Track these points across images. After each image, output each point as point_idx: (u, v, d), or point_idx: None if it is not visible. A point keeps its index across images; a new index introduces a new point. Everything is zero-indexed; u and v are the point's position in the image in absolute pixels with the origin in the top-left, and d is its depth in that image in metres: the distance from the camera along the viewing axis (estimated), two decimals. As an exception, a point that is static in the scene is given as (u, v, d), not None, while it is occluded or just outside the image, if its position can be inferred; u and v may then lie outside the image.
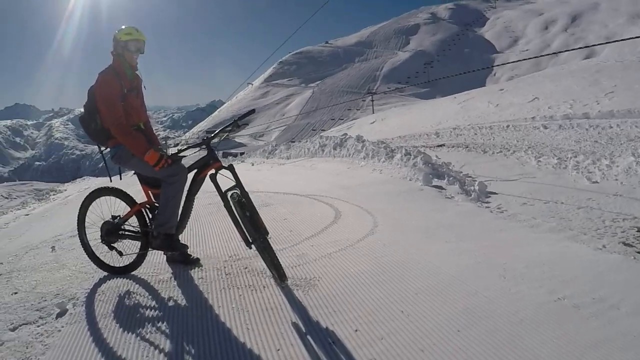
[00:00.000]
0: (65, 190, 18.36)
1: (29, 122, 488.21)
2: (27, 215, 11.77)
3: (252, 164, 15.72)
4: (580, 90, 21.60)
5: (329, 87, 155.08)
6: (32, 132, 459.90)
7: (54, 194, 16.85)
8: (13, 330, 3.81)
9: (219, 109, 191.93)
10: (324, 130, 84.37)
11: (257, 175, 11.42)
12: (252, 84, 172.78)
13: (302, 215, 6.39)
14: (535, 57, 23.59)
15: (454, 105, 29.65)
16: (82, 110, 4.52)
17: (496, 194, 6.54)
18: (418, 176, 7.60)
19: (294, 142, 21.02)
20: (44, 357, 3.27)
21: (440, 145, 12.98)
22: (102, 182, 23.75)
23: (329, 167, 10.89)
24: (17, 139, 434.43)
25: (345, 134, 13.26)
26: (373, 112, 74.27)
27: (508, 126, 16.57)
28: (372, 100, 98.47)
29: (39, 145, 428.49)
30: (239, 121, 4.22)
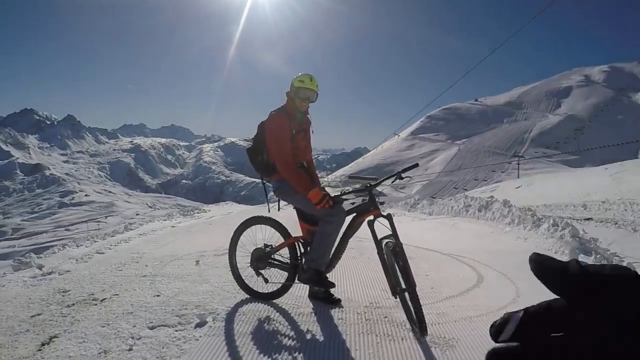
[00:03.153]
0: (210, 210, 19.32)
1: (182, 143, 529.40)
2: (173, 227, 12.47)
3: (393, 215, 15.40)
4: None
5: (475, 146, 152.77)
6: (183, 153, 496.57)
7: (198, 212, 17.80)
8: (151, 328, 4.10)
9: (363, 156, 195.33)
10: (466, 189, 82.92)
11: (399, 227, 11.21)
12: (399, 135, 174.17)
13: (444, 274, 6.33)
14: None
15: (605, 176, 28.00)
16: (250, 142, 4.84)
17: (644, 277, 6.08)
18: (564, 249, 7.28)
19: (434, 198, 20.84)
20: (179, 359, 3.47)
21: (588, 219, 12.31)
22: (245, 209, 24.79)
23: (472, 228, 10.70)
24: (169, 157, 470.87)
25: (492, 197, 12.96)
26: (518, 177, 71.98)
27: (663, 204, 15.40)
28: (518, 164, 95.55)
29: (187, 165, 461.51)
30: (402, 173, 4.30)
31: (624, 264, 6.31)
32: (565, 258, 6.76)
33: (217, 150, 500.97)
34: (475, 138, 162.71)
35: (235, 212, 19.85)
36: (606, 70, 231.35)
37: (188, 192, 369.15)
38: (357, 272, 6.32)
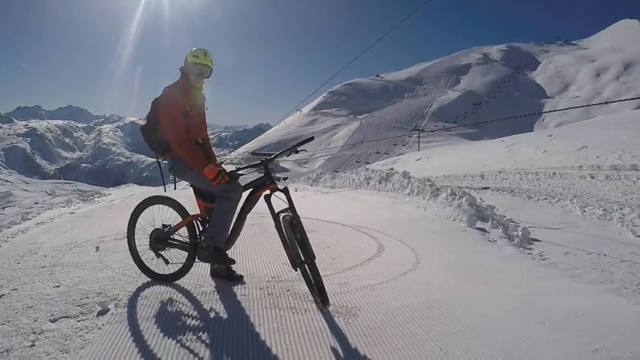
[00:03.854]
0: (110, 194, 18.72)
1: (80, 125, 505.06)
2: (72, 213, 12.05)
3: (296, 190, 15.85)
4: (630, 141, 21.22)
5: (376, 120, 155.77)
6: (81, 135, 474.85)
7: (98, 197, 17.22)
8: (53, 321, 3.94)
9: (266, 132, 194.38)
10: (368, 163, 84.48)
11: (301, 201, 11.48)
12: (301, 111, 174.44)
13: (346, 245, 6.44)
14: (586, 106, 23.30)
15: (501, 148, 29.40)
16: (145, 119, 4.70)
17: (539, 241, 6.44)
18: (462, 217, 7.58)
19: (337, 172, 21.15)
20: (83, 351, 3.36)
21: (485, 188, 12.90)
22: (147, 190, 24.17)
23: (373, 199, 10.94)
24: (67, 140, 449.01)
25: (392, 169, 13.27)
26: (419, 149, 74.17)
27: (554, 173, 16.36)
28: (419, 137, 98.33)
29: (86, 147, 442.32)
30: (297, 147, 4.30)
31: (520, 228, 6.68)
32: (463, 225, 7.13)
33: (116, 131, 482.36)
34: (376, 112, 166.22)
35: (137, 194, 19.35)
36: (504, 50, 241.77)
37: (88, 176, 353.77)
38: (259, 247, 6.35)
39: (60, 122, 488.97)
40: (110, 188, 26.33)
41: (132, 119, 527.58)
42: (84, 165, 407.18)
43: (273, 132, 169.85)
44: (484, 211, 7.84)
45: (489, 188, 12.90)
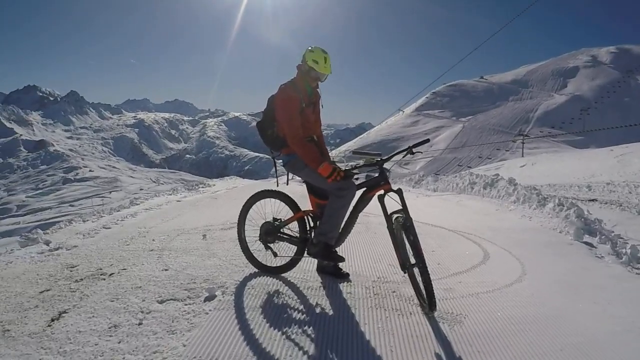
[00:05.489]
0: (214, 185, 19.32)
1: (186, 118, 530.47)
2: (179, 201, 12.51)
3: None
4: None
5: (480, 124, 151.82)
6: (187, 127, 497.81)
7: (202, 187, 17.81)
8: (161, 302, 4.15)
9: (367, 132, 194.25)
10: (470, 167, 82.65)
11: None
12: (403, 111, 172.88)
13: (450, 250, 6.35)
14: None
15: (610, 158, 27.81)
16: (261, 115, 4.80)
17: (648, 261, 6.08)
18: (569, 229, 7.26)
19: (438, 174, 20.87)
20: (190, 334, 3.51)
21: (593, 200, 12.28)
22: (249, 183, 24.78)
23: (477, 205, 10.69)
24: (173, 132, 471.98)
25: (497, 175, 12.91)
26: (522, 155, 71.80)
27: (667, 188, 15.33)
28: (523, 143, 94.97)
29: (191, 140, 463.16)
30: (413, 148, 4.28)
31: (628, 246, 6.31)
32: (570, 238, 6.81)
33: (220, 125, 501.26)
34: (480, 115, 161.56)
35: (240, 186, 19.86)
36: (613, 52, 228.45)
37: (192, 166, 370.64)
38: (364, 246, 6.35)
39: (166, 115, 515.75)
40: (214, 179, 27.17)
41: (236, 114, 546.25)
42: (188, 156, 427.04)
43: (375, 132, 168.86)
44: (592, 225, 7.47)
45: (596, 200, 12.28)
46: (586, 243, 6.72)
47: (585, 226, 7.34)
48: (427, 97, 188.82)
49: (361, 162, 4.47)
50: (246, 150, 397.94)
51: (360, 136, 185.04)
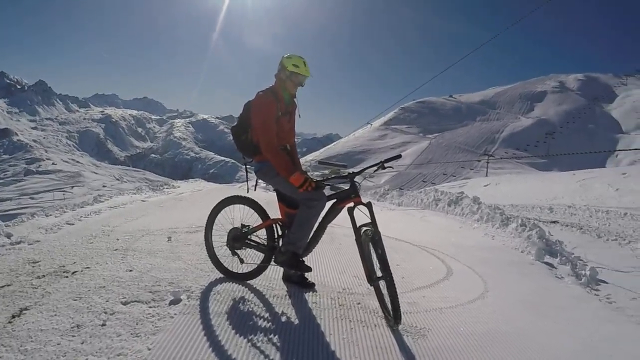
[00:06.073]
0: (179, 187, 19.14)
1: (154, 117, 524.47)
2: (144, 201, 12.35)
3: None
4: None
5: (446, 141, 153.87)
6: (154, 126, 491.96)
7: (167, 188, 17.62)
8: (125, 304, 4.09)
9: (334, 142, 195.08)
10: (434, 183, 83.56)
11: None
12: (372, 124, 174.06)
13: (414, 265, 6.40)
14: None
15: (572, 182, 28.38)
16: (236, 120, 4.78)
17: (606, 283, 6.21)
18: (531, 249, 7.43)
19: (403, 189, 21.03)
20: (155, 337, 3.48)
21: (554, 222, 12.57)
22: (214, 187, 24.58)
23: (441, 222, 10.81)
24: (140, 130, 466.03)
25: (462, 192, 13.11)
26: (487, 175, 72.85)
27: (626, 214, 15.70)
28: (488, 163, 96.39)
29: (158, 139, 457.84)
30: (385, 163, 4.36)
31: (588, 267, 6.49)
32: (531, 258, 6.97)
33: (188, 126, 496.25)
34: (447, 133, 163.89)
35: (205, 189, 19.69)
36: (581, 79, 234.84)
37: (156, 166, 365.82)
38: (329, 257, 6.37)
39: (134, 112, 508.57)
40: (179, 181, 26.90)
41: (205, 116, 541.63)
42: (153, 155, 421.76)
43: (342, 143, 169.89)
44: (553, 246, 7.67)
45: (557, 222, 12.57)
46: (547, 263, 6.89)
47: (547, 247, 7.53)
48: (395, 112, 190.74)
49: (327, 171, 4.51)
50: (212, 153, 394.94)
51: (328, 147, 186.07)
